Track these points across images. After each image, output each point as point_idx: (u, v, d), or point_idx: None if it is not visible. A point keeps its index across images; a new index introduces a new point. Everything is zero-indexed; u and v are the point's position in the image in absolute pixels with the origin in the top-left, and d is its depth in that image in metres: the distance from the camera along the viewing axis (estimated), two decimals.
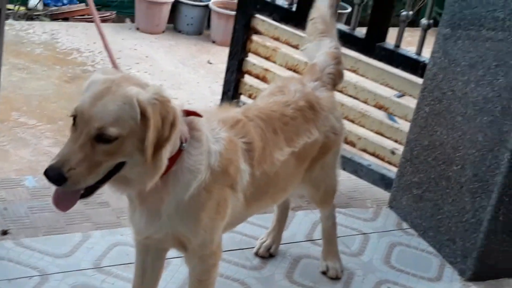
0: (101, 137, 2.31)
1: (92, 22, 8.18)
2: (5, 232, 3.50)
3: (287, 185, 3.07)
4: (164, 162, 2.45)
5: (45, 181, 3.89)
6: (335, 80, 3.32)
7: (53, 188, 2.38)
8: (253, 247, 3.61)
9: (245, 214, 2.93)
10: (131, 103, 2.34)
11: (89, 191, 2.41)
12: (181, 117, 2.49)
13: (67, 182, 2.30)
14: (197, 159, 2.55)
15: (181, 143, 2.51)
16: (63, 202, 2.41)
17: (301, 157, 3.06)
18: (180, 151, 2.51)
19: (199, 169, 2.56)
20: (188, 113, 2.57)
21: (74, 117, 2.34)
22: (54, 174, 2.29)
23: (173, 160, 2.49)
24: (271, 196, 3.00)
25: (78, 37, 7.68)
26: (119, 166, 2.40)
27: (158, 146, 2.39)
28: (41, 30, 7.72)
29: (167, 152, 2.45)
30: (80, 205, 3.76)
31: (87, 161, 2.31)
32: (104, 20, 8.20)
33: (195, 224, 2.63)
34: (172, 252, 3.15)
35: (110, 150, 2.34)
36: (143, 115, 2.35)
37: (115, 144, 2.34)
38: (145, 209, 2.60)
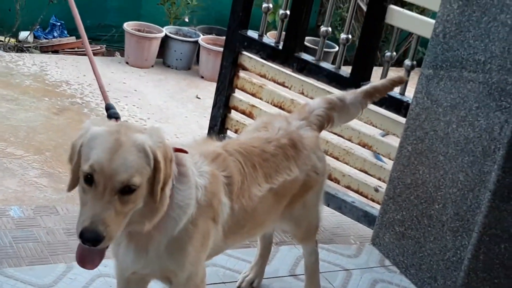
0: (126, 189, 2.38)
1: (82, 55, 8.26)
2: None
3: (264, 220, 3.10)
4: (168, 200, 2.52)
5: (29, 212, 3.95)
6: (322, 123, 3.35)
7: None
8: (236, 281, 3.63)
9: (222, 247, 2.95)
10: (145, 150, 2.42)
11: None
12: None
13: (105, 240, 2.35)
14: (186, 194, 2.60)
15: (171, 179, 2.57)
16: (92, 259, 2.46)
17: (280, 194, 3.09)
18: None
19: (189, 204, 2.61)
20: (174, 149, 2.62)
21: (89, 175, 2.37)
22: (94, 236, 2.33)
23: None
24: (248, 231, 3.03)
25: (67, 70, 7.74)
26: None
27: (164, 186, 2.48)
28: (31, 62, 7.78)
29: (169, 190, 2.52)
30: (63, 236, 3.82)
31: (118, 214, 2.37)
32: (94, 54, 8.26)
33: (182, 258, 2.67)
34: (155, 285, 3.17)
35: (133, 199, 2.41)
36: (155, 160, 2.43)
37: (137, 192, 2.41)
38: (132, 246, 2.63)
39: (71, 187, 2.51)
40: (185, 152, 2.65)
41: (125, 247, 2.64)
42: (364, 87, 3.53)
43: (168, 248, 2.62)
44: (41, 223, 3.93)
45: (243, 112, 5.00)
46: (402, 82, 3.79)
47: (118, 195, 2.37)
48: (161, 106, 7.35)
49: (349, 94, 3.48)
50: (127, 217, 2.43)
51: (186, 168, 2.63)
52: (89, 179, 2.37)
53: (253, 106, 4.94)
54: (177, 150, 2.62)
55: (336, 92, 4.43)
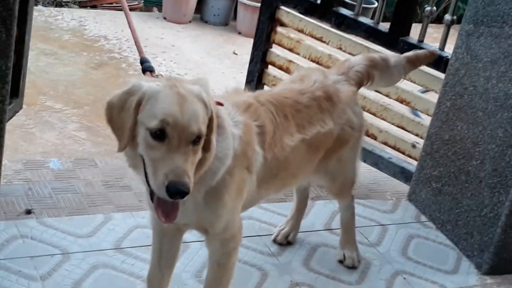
0: (196, 139, 2.41)
1: (119, 10, 8.27)
2: (29, 212, 3.57)
3: (298, 171, 3.10)
4: (215, 147, 2.55)
5: (69, 164, 4.01)
6: (361, 79, 3.35)
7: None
8: (272, 234, 3.66)
9: (256, 197, 2.97)
10: (203, 100, 2.46)
11: None
12: None
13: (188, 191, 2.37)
14: (224, 145, 2.62)
15: None
16: (174, 211, 2.46)
17: (314, 146, 3.09)
18: None
19: (227, 155, 2.63)
20: None
21: (160, 130, 2.37)
22: (183, 188, 2.33)
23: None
24: (281, 181, 3.03)
25: (105, 25, 7.77)
26: None
27: (210, 134, 2.49)
28: (70, 16, 7.82)
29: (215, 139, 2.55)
30: (102, 188, 3.88)
31: (193, 165, 2.41)
32: (131, 9, 8.27)
33: (220, 208, 2.69)
34: (191, 236, 3.22)
35: (199, 148, 2.44)
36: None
37: (202, 141, 2.44)
38: None
39: (123, 147, 2.48)
40: (221, 104, 2.66)
41: None
42: (407, 53, 3.56)
43: (206, 199, 2.65)
44: (80, 175, 3.98)
45: (280, 68, 4.98)
46: (432, 55, 3.76)
47: (191, 146, 2.39)
48: (198, 61, 7.35)
49: (393, 57, 3.50)
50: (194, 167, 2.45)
51: (223, 119, 2.63)
52: (159, 135, 2.37)
53: (290, 61, 4.91)
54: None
55: (374, 48, 4.44)
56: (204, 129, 2.42)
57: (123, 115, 2.45)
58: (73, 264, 3.23)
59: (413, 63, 3.57)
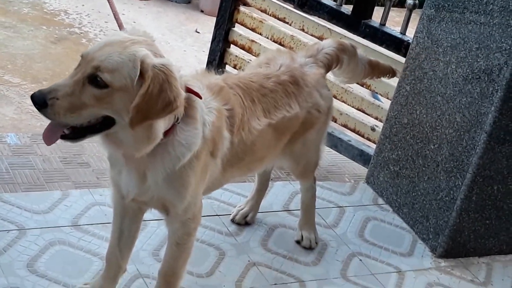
0: (94, 79, 2.38)
1: None
2: None
3: (263, 155, 3.11)
4: (158, 135, 2.50)
5: (26, 139, 3.96)
6: (330, 61, 3.36)
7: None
8: (230, 214, 3.66)
9: (221, 180, 2.98)
10: (135, 62, 2.40)
11: (74, 135, 2.48)
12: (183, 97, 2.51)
13: (48, 109, 2.37)
14: (190, 134, 2.60)
15: (177, 118, 2.55)
16: (47, 135, 2.48)
17: (280, 130, 3.10)
18: (173, 125, 2.56)
19: (195, 143, 2.62)
20: (188, 90, 2.60)
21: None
22: (39, 98, 2.37)
23: (164, 133, 2.54)
24: (247, 165, 3.05)
25: None
26: (109, 122, 2.45)
27: (147, 116, 2.41)
28: None
29: (161, 126, 2.50)
30: (60, 164, 3.84)
31: (73, 98, 2.38)
32: None
33: (183, 190, 2.69)
34: (149, 214, 3.21)
35: (98, 96, 2.39)
36: (142, 77, 2.39)
37: (104, 92, 2.39)
38: (133, 172, 2.64)
39: None
40: (199, 97, 2.63)
41: (127, 173, 2.65)
42: (371, 58, 3.64)
43: (168, 180, 2.64)
44: (37, 150, 3.94)
45: (242, 47, 4.97)
46: (394, 74, 3.83)
47: (85, 81, 2.39)
48: (159, 39, 7.29)
49: (359, 50, 3.54)
50: (84, 111, 2.40)
51: (196, 110, 2.62)
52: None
53: (252, 41, 4.91)
54: (191, 91, 2.60)
55: (337, 30, 4.45)
56: (109, 77, 2.37)
57: None
58: (29, 240, 3.20)
59: (372, 69, 3.62)
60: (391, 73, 3.77)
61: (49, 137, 2.48)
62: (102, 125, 2.46)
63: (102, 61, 2.39)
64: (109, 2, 3.29)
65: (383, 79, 4.42)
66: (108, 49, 2.41)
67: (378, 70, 3.67)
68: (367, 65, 3.58)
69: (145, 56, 2.41)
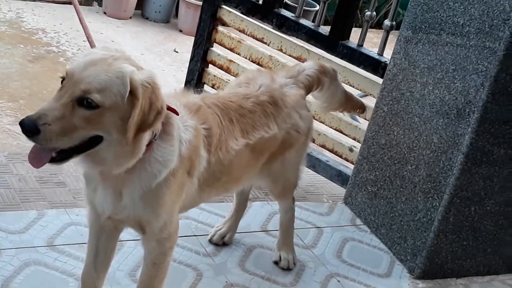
0: (83, 101, 2.36)
1: (58, 3, 8.14)
2: None
3: (241, 175, 3.10)
4: (143, 148, 2.50)
5: (2, 158, 3.92)
6: (311, 83, 3.37)
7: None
8: (208, 235, 3.64)
9: (197, 199, 2.97)
10: (123, 79, 2.39)
11: (62, 157, 2.45)
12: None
13: (39, 136, 2.33)
14: (167, 151, 2.60)
15: (154, 135, 2.55)
16: (35, 158, 2.44)
17: (258, 150, 3.09)
18: (150, 142, 2.55)
19: (171, 160, 2.61)
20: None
21: (63, 79, 2.40)
22: (29, 125, 2.32)
23: None
24: (224, 184, 3.03)
25: (44, 17, 7.63)
26: (96, 140, 2.44)
27: (140, 130, 2.43)
28: (7, 8, 7.65)
29: (146, 139, 2.50)
30: (36, 183, 3.81)
31: (64, 122, 2.35)
32: (70, 2, 8.14)
33: (158, 208, 2.67)
34: (126, 234, 3.19)
35: (89, 117, 2.38)
36: (132, 94, 2.40)
37: (95, 112, 2.38)
38: (109, 189, 2.63)
39: None
40: (176, 113, 2.63)
41: (102, 191, 2.63)
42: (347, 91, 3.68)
43: (144, 198, 2.63)
44: (13, 170, 3.90)
45: (220, 67, 4.98)
46: (364, 110, 3.87)
47: (74, 104, 2.36)
48: (138, 58, 7.28)
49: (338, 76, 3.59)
50: (75, 134, 2.38)
51: (173, 127, 2.62)
52: (62, 84, 2.41)
53: (231, 61, 4.91)
54: (168, 108, 2.59)
55: (315, 51, 4.47)
56: (99, 98, 2.35)
57: None
58: (4, 260, 3.16)
59: (346, 99, 3.65)
60: (362, 108, 3.79)
61: (37, 161, 2.44)
62: (88, 144, 2.44)
63: (90, 82, 2.36)
64: (80, 20, 3.29)
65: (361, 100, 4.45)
66: (94, 69, 2.38)
67: (351, 102, 3.70)
68: (343, 93, 3.61)
69: (133, 73, 2.41)
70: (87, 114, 2.37)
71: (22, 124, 2.33)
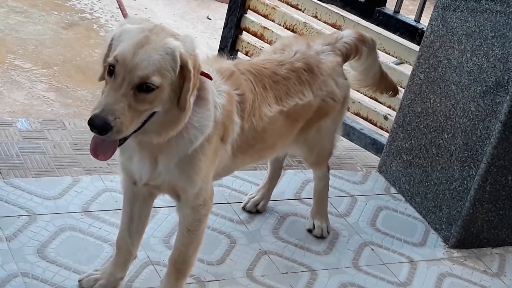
0: (143, 86, 2.37)
1: None
2: None
3: (275, 142, 3.08)
4: (189, 114, 2.52)
5: (37, 125, 3.94)
6: (349, 51, 3.32)
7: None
8: (241, 202, 3.64)
9: (231, 167, 2.96)
10: (174, 54, 2.41)
11: (123, 140, 2.46)
12: None
13: (112, 131, 2.34)
14: (204, 116, 2.60)
15: None
16: (103, 151, 2.45)
17: (292, 118, 3.06)
18: None
19: (207, 125, 2.61)
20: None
21: (112, 66, 2.38)
22: (101, 123, 2.33)
23: None
24: (258, 152, 3.02)
25: None
26: (151, 115, 2.46)
27: (190, 94, 2.47)
28: None
29: (191, 105, 2.52)
30: (70, 150, 3.83)
31: (131, 110, 2.36)
32: None
33: (194, 174, 2.67)
34: (160, 201, 3.20)
35: (150, 99, 2.40)
36: (182, 67, 2.42)
37: (155, 93, 2.40)
38: (145, 156, 2.63)
39: (100, 78, 2.51)
40: (210, 78, 2.63)
41: (139, 158, 2.64)
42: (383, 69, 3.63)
43: (180, 165, 2.63)
44: (48, 136, 3.92)
45: (254, 34, 4.94)
46: (396, 93, 3.78)
47: (135, 91, 2.37)
48: (171, 25, 7.25)
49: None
50: (141, 117, 2.42)
51: (207, 91, 2.61)
52: (111, 71, 2.39)
53: (265, 28, 4.87)
54: (201, 73, 2.59)
55: (350, 18, 4.41)
56: (157, 79, 2.38)
57: (105, 49, 2.51)
58: (40, 226, 3.18)
59: (381, 77, 3.59)
60: (395, 91, 3.73)
61: (105, 153, 2.46)
62: (145, 120, 2.46)
63: (146, 67, 2.36)
64: None
65: (397, 67, 4.40)
66: (144, 52, 2.37)
67: (385, 82, 3.64)
68: (380, 70, 3.56)
69: (180, 47, 2.43)
70: (149, 96, 2.39)
71: (92, 123, 2.33)
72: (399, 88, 4.29)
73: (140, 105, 2.38)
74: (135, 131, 2.45)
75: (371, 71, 3.51)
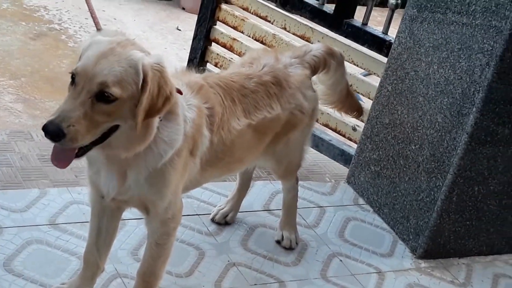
0: (102, 96, 2.35)
1: None
2: None
3: (243, 156, 3.09)
4: (153, 132, 2.50)
5: (4, 136, 3.91)
6: (317, 64, 3.33)
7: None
8: (210, 214, 3.63)
9: (199, 180, 2.96)
10: (136, 67, 2.39)
11: (84, 151, 2.45)
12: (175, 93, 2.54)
13: (65, 138, 2.33)
14: (173, 131, 2.59)
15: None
16: (61, 159, 2.44)
17: (260, 131, 3.07)
18: None
19: (177, 139, 2.61)
20: None
21: (73, 76, 2.37)
22: (54, 129, 2.31)
23: None
24: (226, 165, 3.02)
25: None
26: (113, 129, 2.44)
27: (149, 114, 2.43)
28: None
29: (156, 124, 2.50)
30: (38, 162, 3.80)
31: (87, 119, 2.34)
32: None
33: (164, 188, 2.67)
34: (128, 214, 3.18)
35: (109, 111, 2.38)
36: (144, 80, 2.39)
37: (114, 105, 2.38)
38: (113, 170, 2.61)
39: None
40: (180, 92, 2.63)
41: (107, 172, 2.62)
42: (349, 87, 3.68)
43: (150, 179, 2.62)
44: (15, 148, 3.89)
45: (224, 45, 4.95)
46: (361, 114, 3.82)
47: (93, 100, 2.35)
48: (140, 36, 7.24)
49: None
50: (98, 129, 2.39)
51: (177, 105, 2.61)
52: (73, 80, 2.38)
53: (234, 39, 4.88)
54: None
55: (319, 29, 4.44)
56: (117, 91, 2.36)
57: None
58: (6, 239, 3.15)
59: (347, 94, 3.61)
60: (359, 112, 3.76)
61: (63, 161, 2.45)
62: (107, 134, 2.45)
63: (106, 75, 2.35)
64: (87, 3, 3.27)
65: (365, 79, 4.43)
66: (106, 62, 2.36)
67: (351, 100, 3.66)
68: (346, 87, 3.58)
69: (143, 58, 2.41)
70: (107, 108, 2.37)
71: (46, 129, 2.32)
72: (367, 99, 4.35)
73: (97, 115, 2.36)
74: (96, 143, 2.43)
75: (339, 86, 3.52)
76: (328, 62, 3.37)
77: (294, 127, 3.24)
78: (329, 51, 3.39)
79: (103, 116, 2.38)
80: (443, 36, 3.61)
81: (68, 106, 2.34)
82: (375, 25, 4.48)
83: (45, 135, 2.34)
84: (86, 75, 2.35)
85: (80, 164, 3.79)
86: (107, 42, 2.43)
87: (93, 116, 2.36)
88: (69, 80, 2.47)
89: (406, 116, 3.81)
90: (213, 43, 5.02)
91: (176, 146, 2.61)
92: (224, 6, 4.92)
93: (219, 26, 4.99)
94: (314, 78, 3.41)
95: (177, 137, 2.61)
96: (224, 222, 3.61)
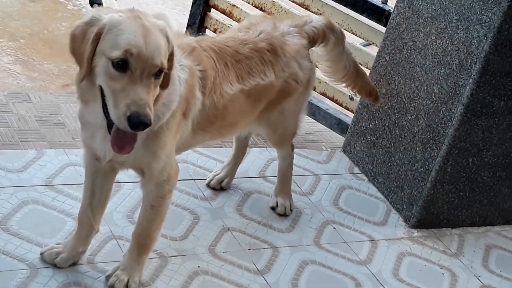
0: (158, 72, 2.42)
1: None
2: None
3: (236, 121, 3.10)
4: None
5: (1, 97, 3.92)
6: (316, 35, 3.33)
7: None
8: (206, 179, 3.66)
9: (190, 142, 2.98)
10: (167, 35, 2.47)
11: None
12: None
13: (150, 126, 2.39)
14: (171, 91, 2.61)
15: None
16: (127, 143, 2.48)
17: (253, 97, 3.08)
18: None
19: (174, 100, 2.64)
20: None
21: (123, 61, 2.37)
22: (145, 119, 2.34)
23: None
24: (218, 129, 3.04)
25: None
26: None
27: (171, 69, 2.54)
28: None
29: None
30: (35, 123, 3.81)
31: (151, 98, 2.41)
32: None
33: (159, 150, 2.69)
34: (124, 176, 3.20)
35: (159, 82, 2.46)
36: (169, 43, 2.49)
37: (162, 75, 2.47)
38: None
39: (84, 77, 2.46)
40: None
41: (103, 136, 2.61)
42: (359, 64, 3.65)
43: (146, 141, 2.64)
44: (13, 109, 3.90)
45: (223, 12, 4.93)
46: (376, 100, 3.83)
47: (152, 79, 2.41)
48: (139, 0, 7.22)
49: (347, 46, 3.54)
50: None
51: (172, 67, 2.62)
52: (122, 65, 2.37)
53: (233, 5, 4.87)
54: None
55: None
56: (165, 63, 2.44)
57: (83, 46, 2.43)
58: (2, 198, 3.18)
59: (357, 74, 3.60)
60: (372, 95, 3.77)
61: (130, 144, 2.48)
62: None
63: (159, 54, 2.41)
64: None
65: (363, 48, 4.42)
66: (150, 40, 2.39)
67: (362, 81, 3.66)
68: (352, 65, 3.56)
69: (167, 27, 2.50)
70: (159, 80, 2.46)
71: (139, 122, 2.34)
72: (366, 69, 4.34)
73: (155, 90, 2.44)
74: None
75: (340, 62, 3.51)
76: (327, 35, 3.37)
77: (288, 95, 3.25)
78: (329, 25, 3.38)
79: (157, 88, 2.46)
80: (441, 6, 3.61)
81: (140, 92, 2.36)
82: None
83: (134, 128, 2.36)
84: (141, 57, 2.37)
85: (78, 126, 3.83)
86: (130, 19, 2.43)
87: (154, 93, 2.43)
88: (84, 67, 2.43)
89: (403, 86, 3.82)
90: (212, 9, 5.00)
91: (173, 108, 2.63)
92: None
93: None
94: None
95: (174, 97, 2.63)
96: (219, 187, 3.64)
